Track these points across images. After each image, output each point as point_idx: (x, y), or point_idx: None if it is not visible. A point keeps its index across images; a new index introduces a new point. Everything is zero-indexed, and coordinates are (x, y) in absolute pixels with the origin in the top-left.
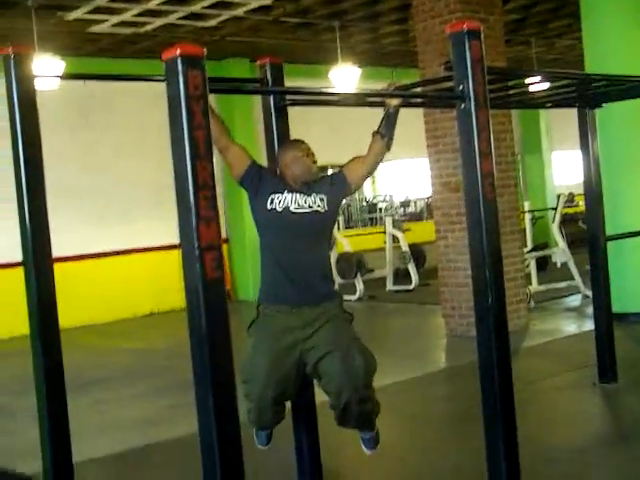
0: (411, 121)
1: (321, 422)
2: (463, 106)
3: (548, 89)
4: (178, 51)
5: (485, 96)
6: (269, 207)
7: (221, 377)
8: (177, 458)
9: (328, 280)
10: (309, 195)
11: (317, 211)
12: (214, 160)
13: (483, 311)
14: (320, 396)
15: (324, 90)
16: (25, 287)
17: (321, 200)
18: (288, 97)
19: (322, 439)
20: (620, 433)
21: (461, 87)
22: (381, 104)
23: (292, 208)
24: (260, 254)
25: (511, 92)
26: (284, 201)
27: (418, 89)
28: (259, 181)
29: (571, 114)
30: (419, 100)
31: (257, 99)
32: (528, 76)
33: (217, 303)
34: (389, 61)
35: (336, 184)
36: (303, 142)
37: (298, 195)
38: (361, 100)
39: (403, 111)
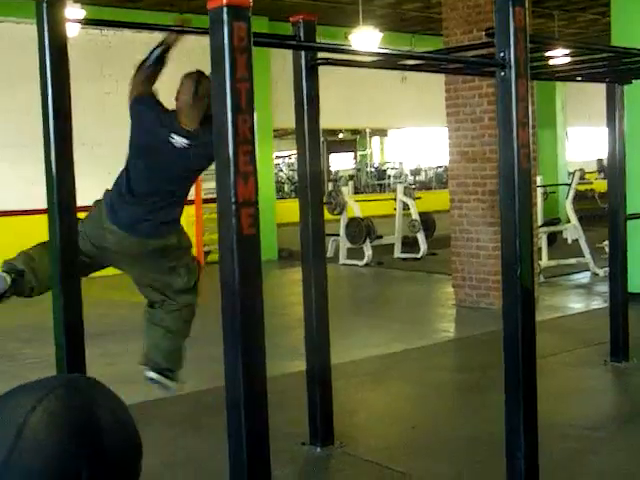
0: (423, 89)
1: (336, 385)
2: (503, 74)
3: (579, 62)
4: (224, 0)
5: (526, 65)
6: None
7: (252, 333)
8: (186, 413)
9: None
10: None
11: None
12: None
13: (511, 282)
14: (335, 359)
15: (374, 50)
16: (49, 236)
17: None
18: (320, 56)
19: (336, 402)
20: (632, 411)
21: (502, 54)
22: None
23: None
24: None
25: (549, 63)
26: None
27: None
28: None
29: (587, 90)
30: (452, 67)
31: (275, 58)
32: (568, 48)
33: (251, 260)
34: (409, 27)
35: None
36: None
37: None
38: (395, 63)
39: (416, 79)
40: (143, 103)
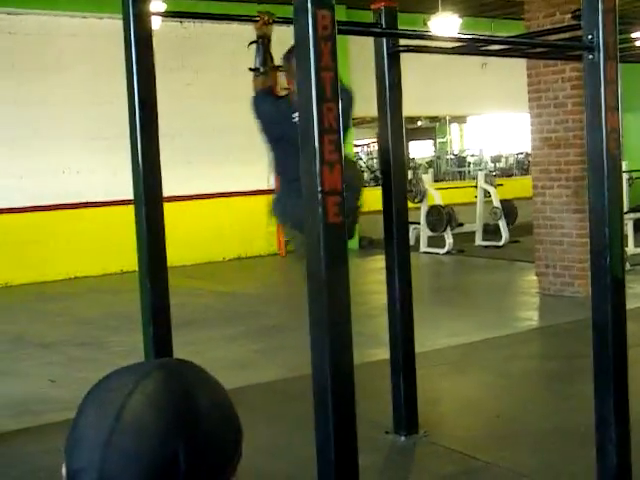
0: (503, 75)
1: (419, 374)
2: (591, 57)
3: None
4: None
5: (616, 48)
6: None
7: (339, 321)
8: (267, 401)
9: None
10: None
11: None
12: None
13: (600, 270)
14: (418, 347)
15: (458, 36)
16: (135, 226)
17: None
18: (402, 42)
19: (420, 391)
20: None
21: (590, 37)
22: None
23: None
24: None
25: (637, 44)
26: None
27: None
28: None
29: None
30: (537, 50)
31: (352, 46)
32: None
33: (337, 248)
34: (488, 12)
35: None
36: None
37: None
38: (477, 49)
39: (497, 64)
40: (256, 103)
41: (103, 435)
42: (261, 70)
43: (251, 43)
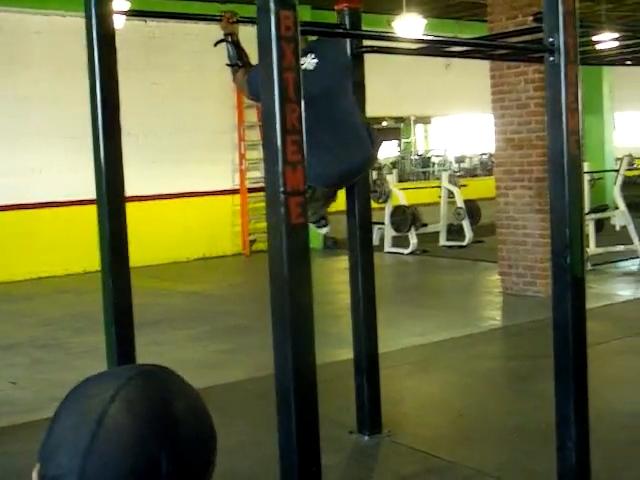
0: (467, 76)
1: (383, 374)
2: (552, 59)
3: (628, 46)
4: None
5: (576, 50)
6: None
7: (301, 321)
8: (232, 401)
9: None
10: None
11: None
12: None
13: (561, 270)
14: (382, 347)
15: (421, 37)
16: (98, 225)
17: None
18: (366, 43)
19: (383, 390)
20: None
21: (551, 39)
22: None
23: None
24: None
25: (597, 47)
26: None
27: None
28: None
29: (636, 74)
30: (499, 52)
31: None
32: (617, 31)
33: (300, 249)
34: (453, 13)
35: None
36: None
37: None
38: (441, 50)
39: (460, 66)
40: (254, 80)
41: (84, 441)
42: (239, 64)
43: (218, 42)
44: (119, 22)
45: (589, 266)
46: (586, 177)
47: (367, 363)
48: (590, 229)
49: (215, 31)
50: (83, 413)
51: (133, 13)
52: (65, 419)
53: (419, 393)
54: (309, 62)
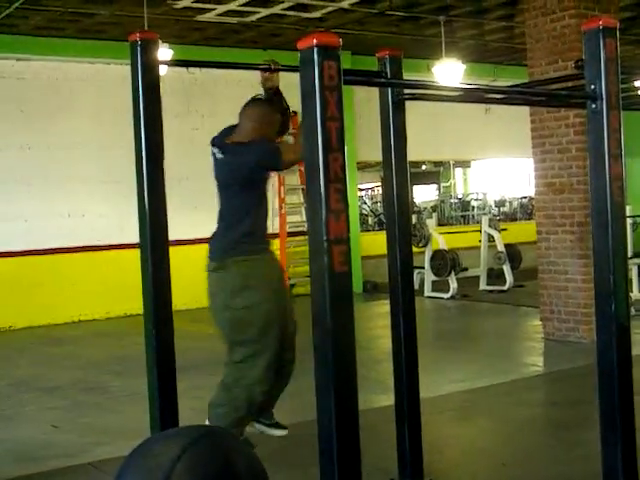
0: (507, 120)
1: (424, 420)
2: (594, 106)
3: None
4: (315, 40)
5: (618, 97)
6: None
7: (344, 369)
8: (274, 447)
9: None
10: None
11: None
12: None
13: (606, 317)
14: (422, 393)
15: (461, 86)
16: (141, 270)
17: None
18: (407, 91)
19: (425, 437)
20: None
21: (593, 87)
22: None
23: None
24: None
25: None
26: None
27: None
28: None
29: None
30: (539, 98)
31: (358, 93)
32: None
33: (343, 297)
34: (492, 58)
35: None
36: None
37: None
38: (481, 97)
39: (501, 110)
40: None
41: None
42: (289, 111)
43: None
44: (162, 70)
45: (633, 311)
46: (628, 220)
47: (408, 409)
48: (633, 273)
49: (255, 77)
50: (149, 471)
51: (177, 63)
52: (130, 476)
53: (461, 440)
54: (218, 152)
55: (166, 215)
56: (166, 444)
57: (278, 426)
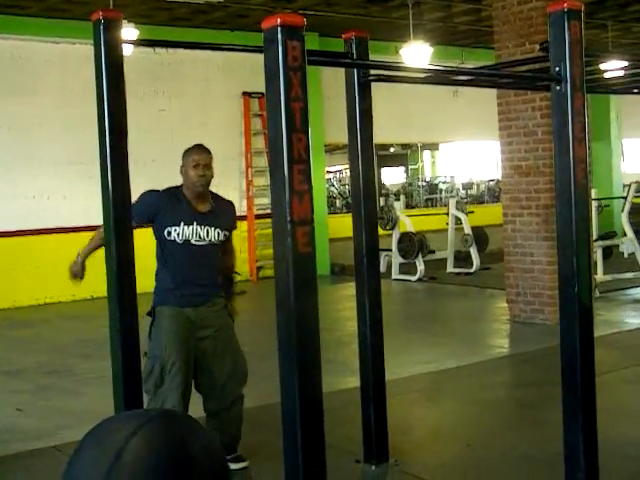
0: (475, 103)
1: (390, 402)
2: (559, 88)
3: (636, 74)
4: (279, 20)
5: (582, 79)
6: (168, 238)
7: (308, 350)
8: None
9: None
10: (210, 227)
11: (214, 244)
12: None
13: (569, 298)
14: (388, 375)
15: (427, 67)
16: (105, 252)
17: (219, 234)
18: (372, 72)
19: (390, 419)
20: None
21: (557, 69)
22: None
23: (193, 240)
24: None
25: (604, 76)
26: (182, 234)
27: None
28: (156, 214)
29: None
30: (506, 81)
31: (326, 75)
32: (624, 60)
33: (307, 279)
34: (459, 40)
35: (231, 225)
36: (209, 152)
37: (199, 228)
38: (447, 79)
39: (468, 93)
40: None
41: (101, 473)
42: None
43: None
44: (127, 50)
45: (597, 293)
46: (594, 204)
47: (374, 391)
48: (598, 256)
49: (223, 58)
50: (102, 446)
51: (142, 43)
52: (85, 452)
53: (426, 421)
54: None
55: (129, 195)
56: (122, 423)
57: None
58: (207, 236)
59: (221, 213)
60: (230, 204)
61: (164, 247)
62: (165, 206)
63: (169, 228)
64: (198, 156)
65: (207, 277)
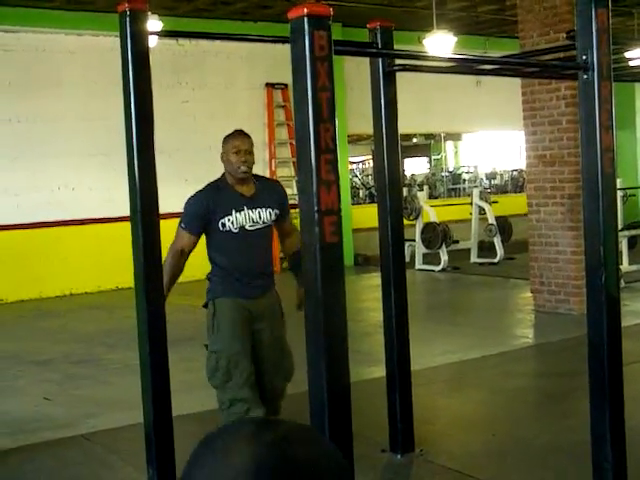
0: (499, 92)
1: (415, 392)
2: (586, 77)
3: None
4: (305, 10)
5: (609, 67)
6: (223, 230)
7: (335, 341)
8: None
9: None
10: (261, 208)
11: (268, 225)
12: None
13: (595, 288)
14: (414, 365)
15: (452, 56)
16: (132, 242)
17: (271, 214)
18: (398, 62)
19: (416, 408)
20: None
21: (585, 57)
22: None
23: (247, 226)
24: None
25: (631, 64)
26: (237, 221)
27: (533, 58)
28: (208, 217)
29: None
30: (531, 70)
31: (349, 66)
32: None
33: (334, 267)
34: (483, 30)
35: (283, 204)
36: (249, 137)
37: (250, 212)
38: (472, 68)
39: (492, 82)
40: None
41: None
42: None
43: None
44: (152, 41)
45: (623, 283)
46: (619, 193)
47: (399, 381)
48: (623, 246)
49: (245, 49)
50: (228, 461)
51: (168, 34)
52: (206, 465)
53: (452, 411)
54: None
55: (156, 184)
56: (246, 436)
57: None
58: (259, 218)
59: (268, 192)
60: (276, 182)
61: (220, 241)
62: (212, 203)
63: (223, 220)
64: (239, 142)
65: (263, 265)
